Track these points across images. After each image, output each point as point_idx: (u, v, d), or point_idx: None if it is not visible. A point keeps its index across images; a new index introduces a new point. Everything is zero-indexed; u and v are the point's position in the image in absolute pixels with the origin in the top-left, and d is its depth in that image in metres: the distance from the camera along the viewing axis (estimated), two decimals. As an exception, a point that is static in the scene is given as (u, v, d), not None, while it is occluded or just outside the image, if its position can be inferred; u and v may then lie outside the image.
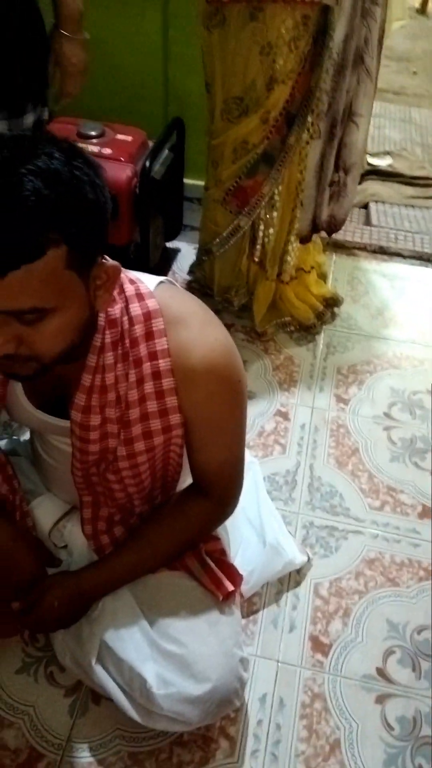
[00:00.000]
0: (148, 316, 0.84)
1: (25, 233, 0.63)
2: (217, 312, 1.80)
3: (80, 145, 1.69)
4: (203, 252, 1.78)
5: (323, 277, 1.96)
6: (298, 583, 1.33)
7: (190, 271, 1.91)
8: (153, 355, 0.84)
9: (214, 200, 1.64)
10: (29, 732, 1.11)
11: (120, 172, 1.58)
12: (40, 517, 1.11)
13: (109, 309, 0.82)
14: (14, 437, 1.38)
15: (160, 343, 0.84)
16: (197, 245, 1.85)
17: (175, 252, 2.11)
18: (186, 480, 1.04)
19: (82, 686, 1.15)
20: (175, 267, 2.07)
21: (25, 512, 1.08)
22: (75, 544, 1.10)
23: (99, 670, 1.00)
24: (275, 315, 1.86)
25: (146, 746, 1.10)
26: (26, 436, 1.25)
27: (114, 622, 1.00)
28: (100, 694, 1.10)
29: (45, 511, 1.12)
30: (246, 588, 1.22)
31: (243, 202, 1.61)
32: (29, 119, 1.36)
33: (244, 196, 1.60)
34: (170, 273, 2.05)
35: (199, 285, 1.89)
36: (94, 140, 1.65)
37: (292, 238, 1.72)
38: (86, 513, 1.02)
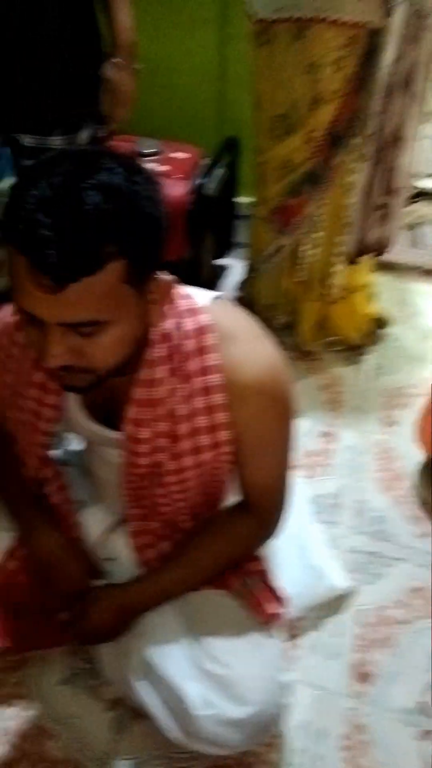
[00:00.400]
0: (200, 331, 0.84)
1: (86, 246, 0.64)
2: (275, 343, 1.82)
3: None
4: (250, 269, 1.78)
5: (371, 297, 1.94)
6: (341, 610, 1.30)
7: (240, 288, 1.91)
8: (204, 371, 0.85)
9: (260, 218, 1.65)
10: (72, 744, 1.11)
11: (174, 189, 1.61)
12: (88, 527, 1.11)
13: (162, 323, 0.83)
14: (69, 448, 1.40)
15: (212, 359, 0.84)
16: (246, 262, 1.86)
17: (225, 269, 2.12)
18: (232, 498, 1.04)
19: (125, 701, 1.15)
20: (223, 284, 2.08)
21: (75, 522, 1.09)
22: (121, 556, 1.10)
23: (140, 687, 0.99)
24: (322, 334, 1.84)
25: (188, 766, 1.08)
26: (80, 447, 1.26)
27: (156, 638, 0.99)
28: (142, 711, 1.09)
29: (93, 522, 1.12)
30: (287, 611, 1.20)
31: (286, 221, 1.62)
32: (84, 135, 1.41)
33: (287, 214, 1.61)
34: (219, 290, 2.06)
35: (244, 302, 1.89)
36: (151, 158, 1.69)
37: (337, 260, 1.71)
38: (133, 526, 1.02)
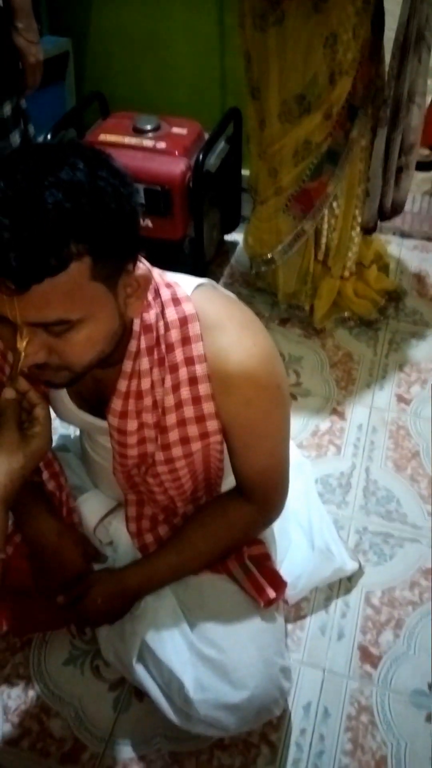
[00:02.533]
0: (184, 321, 0.82)
1: (47, 247, 0.62)
2: (285, 320, 1.80)
3: (135, 140, 1.71)
4: (263, 263, 1.74)
5: (385, 269, 1.88)
6: (348, 591, 1.29)
7: (250, 268, 1.87)
8: (189, 361, 0.83)
9: (275, 209, 1.60)
10: (74, 723, 1.14)
11: (173, 166, 1.57)
12: (86, 513, 1.12)
13: (144, 314, 0.81)
14: (64, 434, 1.41)
15: (197, 348, 0.82)
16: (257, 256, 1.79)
17: (234, 245, 2.08)
18: (232, 479, 1.03)
19: (126, 682, 1.17)
20: (233, 260, 2.04)
21: (72, 508, 1.10)
22: (120, 541, 1.11)
23: (139, 669, 1.01)
24: (334, 311, 1.80)
25: (187, 746, 1.10)
26: (76, 432, 1.27)
27: (155, 622, 1.00)
28: (142, 691, 1.11)
29: (91, 508, 1.13)
30: (293, 593, 1.19)
31: (308, 206, 1.57)
32: (7, 108, 1.41)
33: (308, 199, 1.56)
34: (228, 266, 2.03)
35: (264, 294, 1.86)
36: (150, 134, 1.65)
37: (354, 233, 1.66)
38: (131, 511, 1.03)
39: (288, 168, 1.51)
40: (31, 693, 1.17)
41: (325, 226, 1.62)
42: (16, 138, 1.45)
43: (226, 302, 0.88)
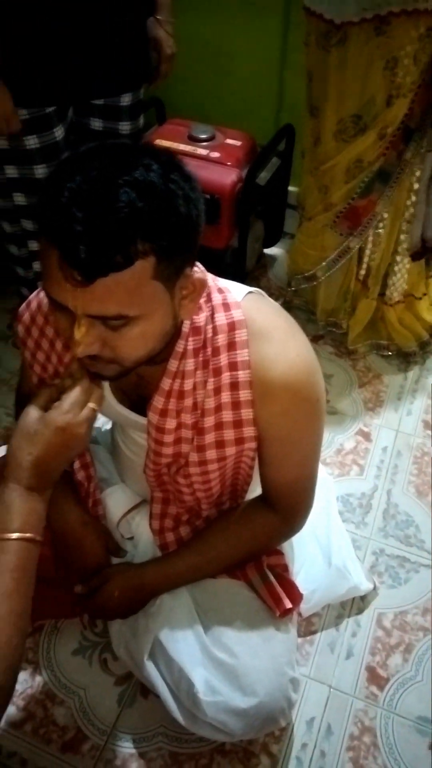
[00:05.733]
0: (232, 327, 0.84)
1: (116, 243, 0.64)
2: (318, 337, 1.80)
3: (190, 147, 1.74)
4: (304, 279, 1.75)
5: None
6: (360, 610, 1.29)
7: (288, 285, 1.88)
8: (233, 366, 0.84)
9: (323, 225, 1.62)
10: (78, 713, 1.15)
11: (225, 177, 1.60)
12: (111, 506, 1.14)
13: (194, 317, 0.83)
14: (96, 426, 1.43)
15: (242, 355, 0.84)
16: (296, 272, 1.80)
17: (273, 259, 2.10)
18: (256, 489, 1.04)
19: (132, 677, 1.18)
20: (270, 274, 2.06)
21: (98, 500, 1.11)
22: (141, 537, 1.12)
23: (150, 666, 1.02)
24: (372, 335, 1.80)
25: (188, 748, 1.11)
26: (108, 426, 1.29)
27: (170, 620, 1.01)
28: (149, 689, 1.12)
29: (116, 501, 1.15)
30: (306, 607, 1.20)
31: (355, 223, 1.58)
32: (126, 99, 1.44)
33: (356, 216, 1.57)
34: (265, 279, 2.05)
35: (299, 310, 1.87)
36: (204, 143, 1.68)
37: (399, 257, 1.67)
38: (155, 509, 1.04)
39: (339, 185, 1.53)
40: (38, 679, 1.19)
41: (369, 245, 1.63)
42: (126, 127, 1.49)
43: (274, 312, 0.89)
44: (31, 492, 0.75)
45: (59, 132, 1.37)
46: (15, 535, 0.72)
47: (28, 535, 0.72)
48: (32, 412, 0.76)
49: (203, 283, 0.77)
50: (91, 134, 1.46)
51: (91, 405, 0.77)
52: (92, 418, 0.78)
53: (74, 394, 0.77)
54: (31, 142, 1.35)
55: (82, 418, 0.76)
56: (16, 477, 0.74)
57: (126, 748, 1.12)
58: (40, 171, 1.39)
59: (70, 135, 1.44)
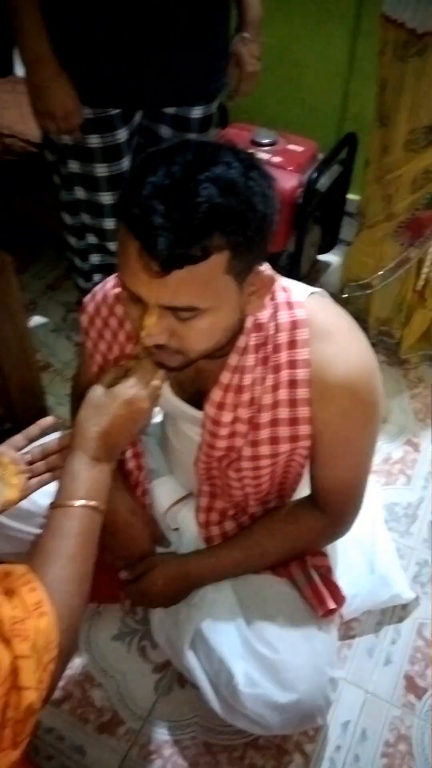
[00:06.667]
0: (294, 325, 0.85)
1: (193, 237, 0.66)
2: (371, 345, 1.78)
3: (251, 151, 1.76)
4: (359, 287, 1.75)
5: None
6: (401, 619, 1.28)
7: (341, 291, 1.89)
8: (293, 364, 0.86)
9: (384, 234, 1.62)
10: (115, 697, 1.18)
11: (285, 181, 1.61)
12: (159, 496, 1.16)
13: (258, 313, 0.85)
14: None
15: (302, 353, 0.85)
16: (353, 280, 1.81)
17: (327, 265, 2.11)
18: (303, 490, 1.05)
19: (170, 666, 1.20)
20: (323, 280, 2.07)
21: (146, 490, 1.13)
22: (186, 529, 1.14)
23: (190, 656, 1.03)
24: (425, 345, 1.79)
25: (222, 740, 1.12)
26: (159, 418, 1.32)
27: (212, 612, 1.03)
28: (186, 678, 1.13)
29: (164, 492, 1.17)
30: (347, 611, 1.20)
31: (417, 234, 1.58)
32: (197, 112, 1.44)
33: (419, 227, 1.57)
34: (318, 285, 2.04)
35: (356, 318, 1.86)
36: (266, 148, 1.70)
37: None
38: (202, 502, 1.06)
39: (404, 195, 1.53)
40: (78, 660, 1.22)
41: (429, 256, 1.62)
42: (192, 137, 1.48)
43: (336, 313, 0.90)
44: (97, 462, 0.78)
45: (122, 134, 1.39)
46: (79, 503, 0.74)
47: (92, 503, 0.75)
48: (99, 389, 0.80)
49: (272, 281, 0.79)
50: (158, 141, 1.47)
51: (155, 382, 0.80)
52: (156, 395, 0.81)
53: (139, 372, 0.80)
54: (94, 141, 1.37)
55: (146, 393, 0.79)
56: (83, 447, 0.77)
57: (161, 734, 1.14)
58: (100, 170, 1.42)
59: (137, 138, 1.46)
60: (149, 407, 0.80)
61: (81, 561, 0.73)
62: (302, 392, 0.86)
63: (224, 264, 0.70)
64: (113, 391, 0.79)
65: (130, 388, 0.79)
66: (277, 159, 1.67)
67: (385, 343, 1.83)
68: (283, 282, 0.89)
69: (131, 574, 1.06)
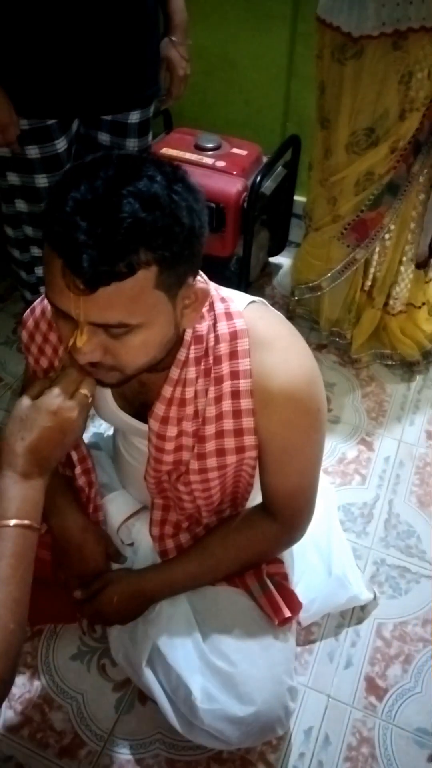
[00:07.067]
0: (234, 336, 0.85)
1: (118, 253, 0.65)
2: (322, 346, 1.81)
3: (196, 156, 1.76)
4: (308, 289, 1.76)
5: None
6: (360, 620, 1.29)
7: (292, 294, 1.89)
8: (234, 375, 0.85)
9: (330, 237, 1.63)
10: (75, 718, 1.15)
11: (230, 186, 1.61)
12: (111, 512, 1.14)
13: (197, 325, 0.84)
14: (98, 432, 1.43)
15: (243, 364, 0.85)
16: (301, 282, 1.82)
17: (278, 268, 2.11)
18: (257, 497, 1.04)
19: (131, 683, 1.18)
20: (275, 282, 2.07)
21: (98, 505, 1.11)
22: (141, 543, 1.13)
23: (148, 673, 1.02)
24: (375, 344, 1.81)
25: (185, 756, 1.11)
26: (110, 432, 1.30)
27: (169, 628, 1.01)
28: (147, 695, 1.12)
29: (117, 507, 1.15)
30: (305, 616, 1.20)
31: (362, 235, 1.60)
32: (134, 117, 1.44)
33: (364, 228, 1.58)
34: (269, 288, 2.05)
35: (302, 319, 1.88)
36: (210, 152, 1.69)
37: (403, 267, 1.68)
38: (156, 515, 1.04)
39: (348, 197, 1.54)
40: (36, 683, 1.19)
41: (375, 256, 1.64)
42: (133, 144, 1.49)
43: (276, 321, 0.90)
44: (26, 479, 0.75)
45: (61, 144, 1.37)
46: (12, 522, 0.71)
47: (25, 521, 0.72)
48: (25, 401, 0.77)
49: (205, 293, 0.78)
50: (97, 147, 1.47)
51: (83, 391, 0.78)
52: (85, 404, 0.78)
53: (64, 381, 0.77)
54: (32, 152, 1.36)
55: (73, 403, 0.76)
56: (10, 463, 0.74)
57: (123, 754, 1.12)
58: (40, 180, 1.40)
59: (76, 146, 1.44)
60: (77, 416, 0.77)
61: (15, 583, 0.70)
62: (246, 402, 0.86)
63: (152, 279, 0.68)
64: (37, 403, 0.76)
65: (54, 398, 0.76)
66: (221, 163, 1.67)
67: (336, 343, 1.84)
68: (221, 292, 0.88)
69: (85, 593, 1.04)
